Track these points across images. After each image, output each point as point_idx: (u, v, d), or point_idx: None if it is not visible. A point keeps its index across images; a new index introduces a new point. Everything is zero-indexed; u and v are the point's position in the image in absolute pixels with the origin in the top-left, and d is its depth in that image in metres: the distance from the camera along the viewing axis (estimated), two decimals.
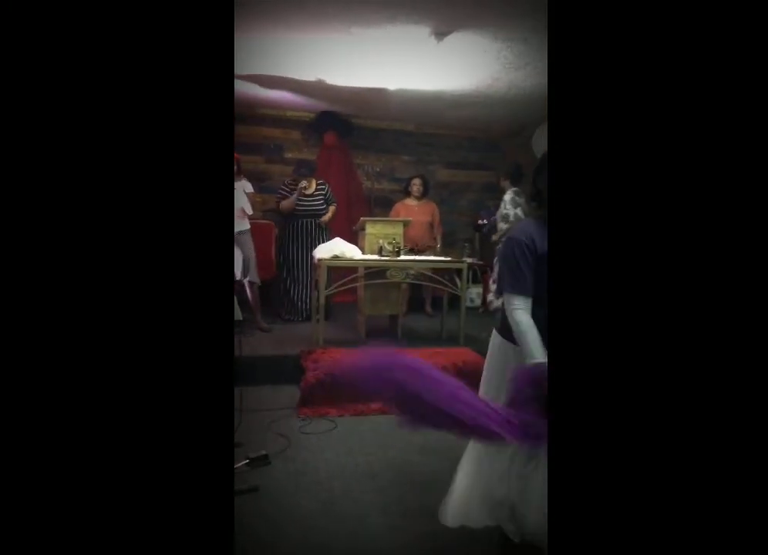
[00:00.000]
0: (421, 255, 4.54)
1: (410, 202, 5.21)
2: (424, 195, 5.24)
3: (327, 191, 4.83)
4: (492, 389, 1.76)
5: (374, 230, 4.11)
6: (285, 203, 4.69)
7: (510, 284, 1.62)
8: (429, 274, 4.04)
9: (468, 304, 4.65)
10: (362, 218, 4.30)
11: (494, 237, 4.74)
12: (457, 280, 4.00)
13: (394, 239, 4.00)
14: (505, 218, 4.51)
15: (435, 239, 5.19)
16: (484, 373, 1.88)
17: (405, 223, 4.31)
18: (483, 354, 3.72)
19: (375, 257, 3.93)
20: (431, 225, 5.22)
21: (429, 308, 5.36)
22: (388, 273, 3.80)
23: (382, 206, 5.96)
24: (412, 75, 4.17)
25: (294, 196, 4.64)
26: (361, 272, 3.96)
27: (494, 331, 1.83)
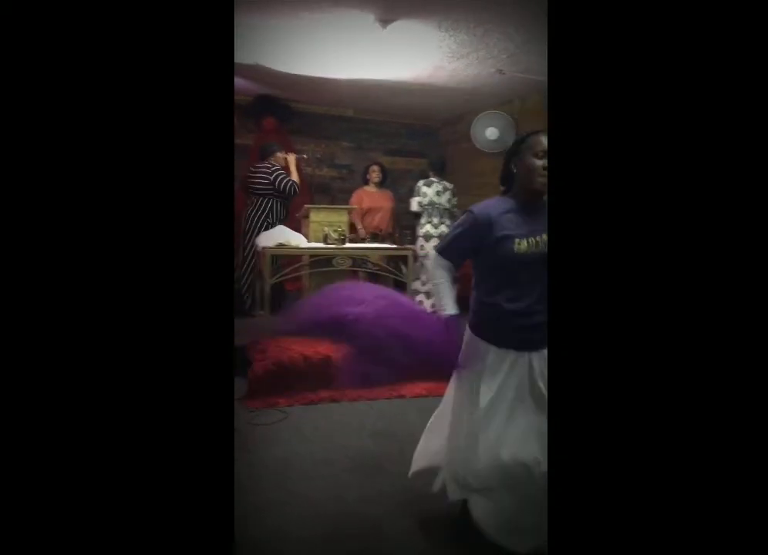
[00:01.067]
0: (383, 243, 4.57)
1: (370, 189, 5.16)
2: (382, 183, 5.19)
3: (273, 169, 4.49)
4: (465, 387, 1.73)
5: (318, 217, 4.08)
6: (296, 176, 4.31)
7: (441, 245, 1.72)
8: (383, 263, 4.07)
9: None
10: (305, 205, 4.25)
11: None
12: (403, 268, 4.05)
13: (339, 227, 3.98)
14: (420, 205, 4.81)
15: (395, 228, 5.22)
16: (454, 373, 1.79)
17: (350, 211, 4.31)
18: None
19: (321, 245, 3.90)
20: (393, 212, 5.20)
21: None
22: (334, 261, 3.79)
23: (322, 193, 5.91)
24: (354, 61, 4.14)
25: (293, 168, 4.34)
26: (305, 260, 3.93)
27: (467, 327, 1.78)
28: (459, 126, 6.04)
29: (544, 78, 4.37)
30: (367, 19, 3.22)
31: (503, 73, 4.23)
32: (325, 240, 3.92)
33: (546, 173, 1.56)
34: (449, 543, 1.87)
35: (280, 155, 4.41)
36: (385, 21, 3.23)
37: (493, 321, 1.67)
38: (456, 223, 1.74)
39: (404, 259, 4.07)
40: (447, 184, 4.82)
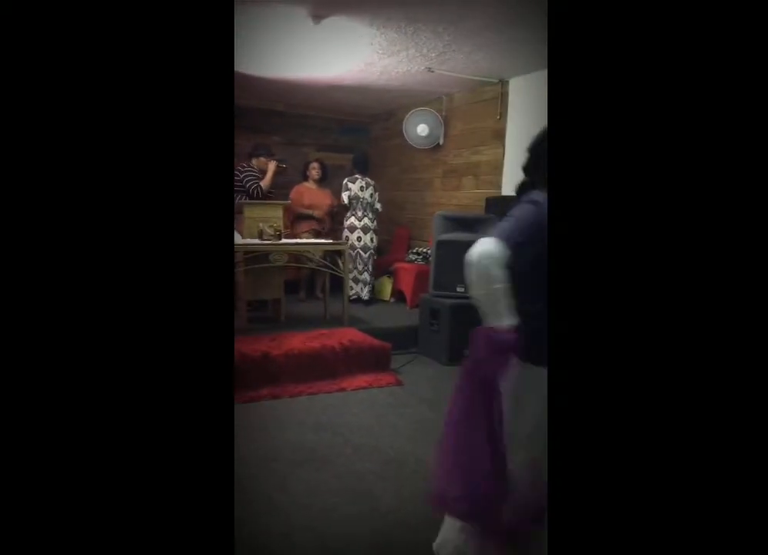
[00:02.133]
0: (325, 239, 4.62)
1: (310, 185, 5.16)
2: (323, 179, 5.21)
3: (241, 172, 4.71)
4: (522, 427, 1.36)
5: (253, 213, 4.02)
6: (266, 182, 4.53)
7: (502, 231, 1.27)
8: (319, 257, 4.08)
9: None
10: (238, 201, 4.18)
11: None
12: (339, 262, 4.08)
13: (275, 222, 3.95)
14: (348, 198, 5.03)
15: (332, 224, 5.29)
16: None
17: (285, 207, 4.28)
18: (367, 333, 3.85)
19: (256, 241, 3.86)
20: (334, 208, 5.24)
21: (319, 293, 5.36)
22: (271, 257, 3.76)
23: None
24: (286, 56, 4.10)
25: (270, 175, 4.52)
26: (240, 257, 3.87)
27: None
28: (390, 122, 6.13)
29: (470, 76, 4.50)
30: (300, 14, 3.20)
31: (432, 71, 4.34)
32: (261, 236, 3.87)
33: None
34: (395, 526, 1.93)
35: (263, 159, 4.63)
36: (317, 17, 3.23)
37: (537, 334, 1.22)
38: (525, 215, 1.32)
39: (340, 253, 4.10)
40: (369, 180, 5.09)
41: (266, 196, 4.50)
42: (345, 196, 5.01)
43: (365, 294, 5.10)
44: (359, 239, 5.03)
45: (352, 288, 4.99)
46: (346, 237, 5.01)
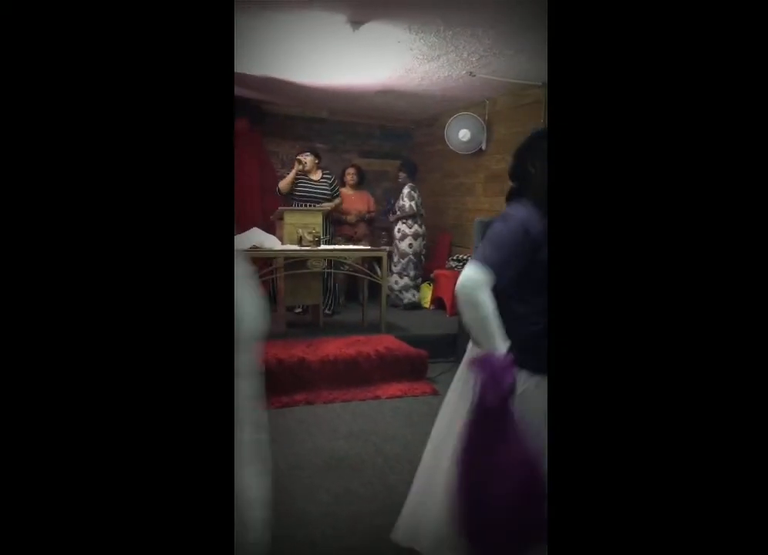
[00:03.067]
0: (357, 244, 4.64)
1: (346, 191, 5.18)
2: (359, 184, 5.24)
3: (333, 180, 4.77)
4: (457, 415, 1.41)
5: (292, 219, 4.06)
6: (282, 183, 4.58)
7: (482, 255, 1.29)
8: (358, 264, 4.08)
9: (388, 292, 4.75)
10: (279, 207, 4.23)
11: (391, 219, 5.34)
12: (378, 269, 4.06)
13: (314, 228, 3.97)
14: (401, 209, 5.16)
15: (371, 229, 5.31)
16: (450, 396, 1.54)
17: (324, 213, 4.30)
18: (405, 340, 3.82)
19: (295, 247, 3.89)
20: (368, 214, 5.25)
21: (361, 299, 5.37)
22: (309, 262, 3.78)
23: None
24: (326, 63, 4.14)
25: (292, 173, 4.52)
26: (280, 263, 3.91)
27: (471, 343, 1.49)
28: (433, 127, 6.08)
29: (512, 80, 4.42)
30: (338, 21, 3.22)
31: (473, 75, 4.27)
32: (300, 242, 3.90)
33: None
34: None
35: (299, 157, 4.61)
36: (356, 23, 3.24)
37: (538, 344, 1.21)
38: (497, 234, 1.36)
39: (379, 260, 4.08)
40: (415, 187, 5.27)
41: (290, 197, 4.53)
42: (413, 204, 5.14)
43: (416, 298, 5.28)
44: (410, 245, 5.16)
45: (402, 295, 5.20)
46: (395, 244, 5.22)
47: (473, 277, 1.26)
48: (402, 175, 5.27)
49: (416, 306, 5.21)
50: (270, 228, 4.31)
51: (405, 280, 5.18)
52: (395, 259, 5.16)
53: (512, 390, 1.23)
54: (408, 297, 5.19)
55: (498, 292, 1.27)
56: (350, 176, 5.17)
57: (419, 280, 5.29)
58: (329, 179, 4.73)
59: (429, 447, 1.59)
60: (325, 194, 4.65)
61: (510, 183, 1.53)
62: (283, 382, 3.23)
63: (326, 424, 2.92)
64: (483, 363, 1.24)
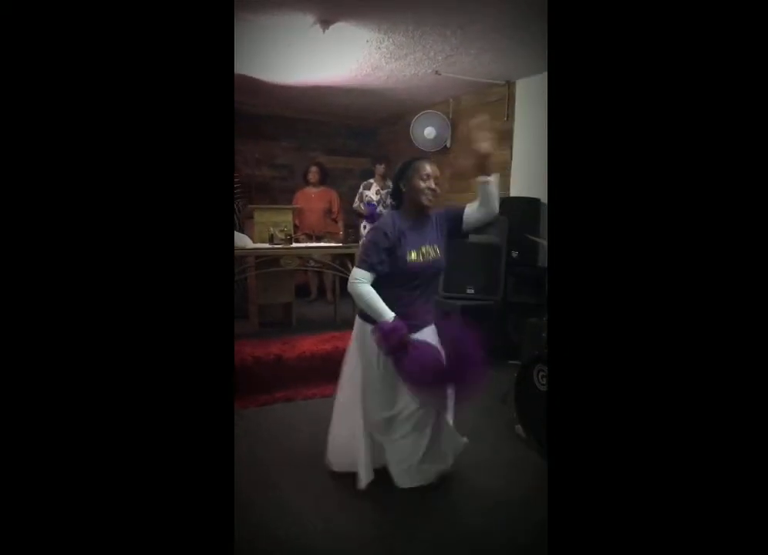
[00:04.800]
0: (318, 242, 4.61)
1: (309, 189, 5.21)
2: (322, 182, 5.26)
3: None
4: (352, 369, 2.17)
5: (263, 218, 4.05)
6: None
7: (360, 260, 1.94)
8: (328, 261, 4.10)
9: None
10: (249, 206, 4.21)
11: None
12: (349, 265, 4.09)
13: (285, 226, 3.98)
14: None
15: (337, 225, 5.28)
16: (347, 357, 2.24)
17: (294, 211, 4.30)
18: None
19: (267, 245, 3.89)
20: (329, 212, 5.27)
21: (330, 295, 5.37)
22: (282, 260, 3.79)
23: (263, 193, 5.86)
24: (293, 62, 4.14)
25: None
26: (251, 262, 3.90)
27: (357, 316, 2.09)
28: (398, 125, 6.15)
29: (477, 78, 4.50)
30: (307, 21, 3.24)
31: (439, 74, 4.36)
32: (271, 240, 3.90)
33: (430, 193, 1.93)
34: (410, 524, 1.94)
35: None
36: (325, 22, 3.26)
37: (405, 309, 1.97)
38: (365, 239, 2.02)
39: (350, 257, 4.12)
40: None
41: None
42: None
43: None
44: None
45: None
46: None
47: (354, 276, 1.92)
48: (379, 167, 5.27)
49: None
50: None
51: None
52: None
53: (401, 339, 1.82)
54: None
55: (383, 280, 1.90)
56: (311, 174, 5.21)
57: None
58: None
59: (342, 384, 2.27)
60: None
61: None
62: (261, 381, 3.24)
63: (308, 419, 2.95)
64: (377, 329, 1.86)
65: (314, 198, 5.20)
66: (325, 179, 5.29)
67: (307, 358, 3.41)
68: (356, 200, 5.16)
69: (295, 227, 5.04)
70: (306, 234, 5.05)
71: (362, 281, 1.89)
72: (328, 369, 3.46)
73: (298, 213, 5.03)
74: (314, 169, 5.23)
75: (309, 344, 3.55)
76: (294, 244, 3.99)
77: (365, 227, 5.27)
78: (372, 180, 5.08)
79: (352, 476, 2.14)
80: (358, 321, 2.08)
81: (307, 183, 5.26)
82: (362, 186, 5.16)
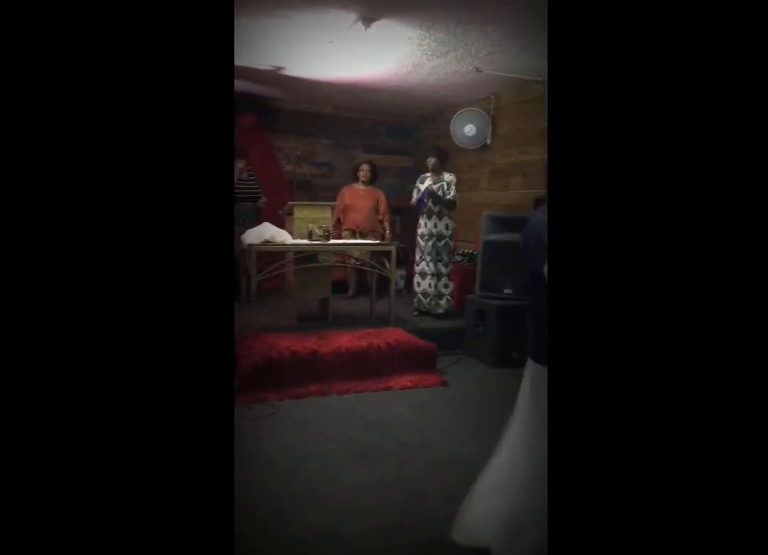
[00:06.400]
0: (362, 239, 4.60)
1: (357, 186, 5.17)
2: (372, 181, 5.19)
3: (256, 175, 4.99)
4: (531, 427, 1.58)
5: (302, 214, 4.11)
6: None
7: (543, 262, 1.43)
8: (367, 258, 4.12)
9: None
10: (289, 202, 4.28)
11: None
12: (386, 263, 4.11)
13: (324, 223, 4.02)
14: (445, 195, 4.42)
15: (383, 225, 5.14)
16: (519, 412, 1.68)
17: (332, 208, 4.35)
18: (413, 333, 3.87)
19: (306, 241, 3.94)
20: (375, 211, 5.17)
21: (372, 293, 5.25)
22: (319, 257, 3.84)
23: (303, 190, 5.94)
24: (335, 59, 4.17)
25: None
26: (290, 257, 3.96)
27: (529, 360, 1.64)
28: (437, 122, 6.12)
29: (518, 75, 4.44)
30: (349, 18, 3.26)
31: (480, 71, 4.32)
32: (310, 236, 3.95)
33: None
34: (441, 528, 1.94)
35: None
36: (367, 20, 3.28)
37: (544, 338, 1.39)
38: (539, 238, 1.49)
39: (387, 254, 4.13)
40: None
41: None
42: (456, 194, 4.44)
43: (434, 306, 4.52)
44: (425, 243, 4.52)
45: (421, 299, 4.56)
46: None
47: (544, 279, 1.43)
48: (431, 161, 4.50)
49: (436, 314, 4.51)
50: (278, 223, 4.36)
51: (426, 282, 4.50)
52: (417, 257, 4.56)
53: None
54: (425, 302, 4.53)
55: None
56: (362, 172, 5.12)
57: (438, 283, 4.47)
58: (253, 174, 5.04)
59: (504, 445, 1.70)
60: (256, 189, 4.97)
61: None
62: (297, 374, 3.29)
63: (341, 414, 2.98)
64: None
65: (362, 196, 5.15)
66: (375, 178, 5.24)
67: (342, 354, 3.45)
68: (413, 194, 4.66)
69: (338, 222, 5.09)
70: (350, 231, 5.06)
71: None
72: (362, 365, 3.50)
73: (343, 209, 5.07)
74: (365, 167, 5.16)
75: (345, 341, 3.58)
76: (332, 241, 4.03)
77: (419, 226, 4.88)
78: (427, 174, 4.63)
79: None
80: (532, 366, 1.60)
81: (356, 179, 5.22)
82: (417, 181, 4.69)
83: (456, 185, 4.49)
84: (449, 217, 4.49)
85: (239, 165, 4.74)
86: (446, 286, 4.49)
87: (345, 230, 5.05)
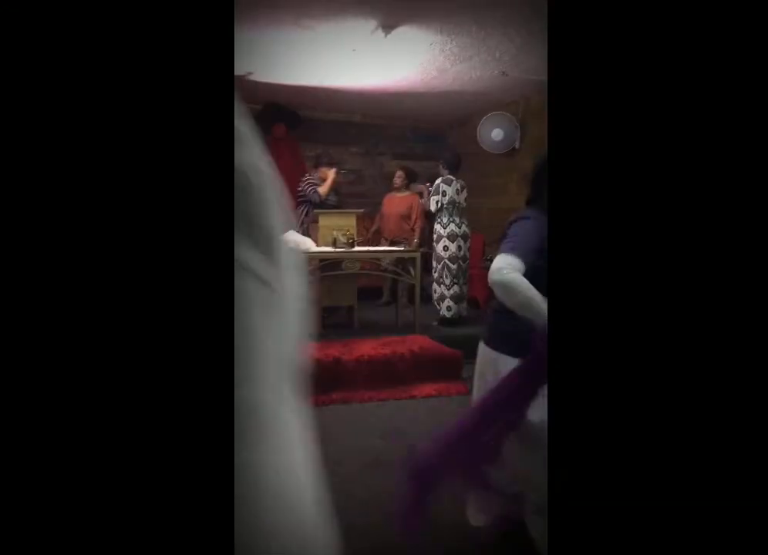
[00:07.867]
0: (392, 246, 4.60)
1: (393, 194, 5.18)
2: (407, 187, 5.18)
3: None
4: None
5: (327, 222, 4.13)
6: (324, 189, 4.52)
7: (508, 245, 1.40)
8: (392, 266, 4.12)
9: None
10: (314, 210, 4.32)
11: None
12: (411, 270, 4.09)
13: (348, 230, 4.04)
14: (438, 203, 4.40)
15: (413, 232, 5.03)
16: (474, 392, 1.75)
17: (358, 215, 4.36)
18: (438, 341, 3.84)
19: (330, 248, 3.96)
20: (407, 217, 5.11)
21: (406, 300, 4.98)
22: (344, 264, 3.85)
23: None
24: (359, 68, 4.20)
25: (329, 182, 4.53)
26: (315, 264, 3.99)
27: (481, 343, 1.66)
28: (466, 127, 6.08)
29: (546, 78, 4.40)
30: (369, 27, 3.28)
31: (506, 75, 4.27)
32: (334, 243, 3.97)
33: None
34: (460, 539, 1.90)
35: (323, 169, 4.61)
36: (387, 28, 3.29)
37: (516, 328, 1.40)
38: (521, 224, 1.52)
39: (413, 261, 4.11)
40: (462, 182, 4.49)
41: (324, 203, 4.48)
42: (433, 202, 4.38)
43: (452, 312, 4.43)
44: (446, 248, 4.38)
45: (440, 306, 4.47)
46: (445, 246, 4.41)
47: (497, 264, 1.36)
48: (444, 170, 4.52)
49: (452, 321, 4.42)
50: (303, 231, 4.41)
51: (443, 289, 4.42)
52: (434, 264, 4.47)
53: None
54: (443, 309, 4.46)
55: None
56: (397, 178, 5.13)
57: (457, 289, 4.40)
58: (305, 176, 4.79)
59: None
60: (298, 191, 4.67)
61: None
62: (320, 381, 3.29)
63: (363, 422, 2.97)
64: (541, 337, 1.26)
65: (396, 203, 5.14)
66: (409, 182, 5.20)
67: (365, 362, 3.44)
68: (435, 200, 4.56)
69: (378, 230, 5.12)
70: (384, 238, 5.06)
71: (512, 270, 1.33)
72: (385, 373, 3.47)
73: (380, 217, 5.09)
74: (399, 173, 5.17)
75: (368, 348, 3.57)
76: (356, 248, 4.04)
77: (434, 231, 5.01)
78: (450, 176, 4.50)
79: None
80: (484, 349, 1.62)
81: (392, 187, 5.21)
82: (439, 180, 4.55)
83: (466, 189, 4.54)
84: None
85: (324, 168, 4.61)
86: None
87: (382, 237, 5.07)
